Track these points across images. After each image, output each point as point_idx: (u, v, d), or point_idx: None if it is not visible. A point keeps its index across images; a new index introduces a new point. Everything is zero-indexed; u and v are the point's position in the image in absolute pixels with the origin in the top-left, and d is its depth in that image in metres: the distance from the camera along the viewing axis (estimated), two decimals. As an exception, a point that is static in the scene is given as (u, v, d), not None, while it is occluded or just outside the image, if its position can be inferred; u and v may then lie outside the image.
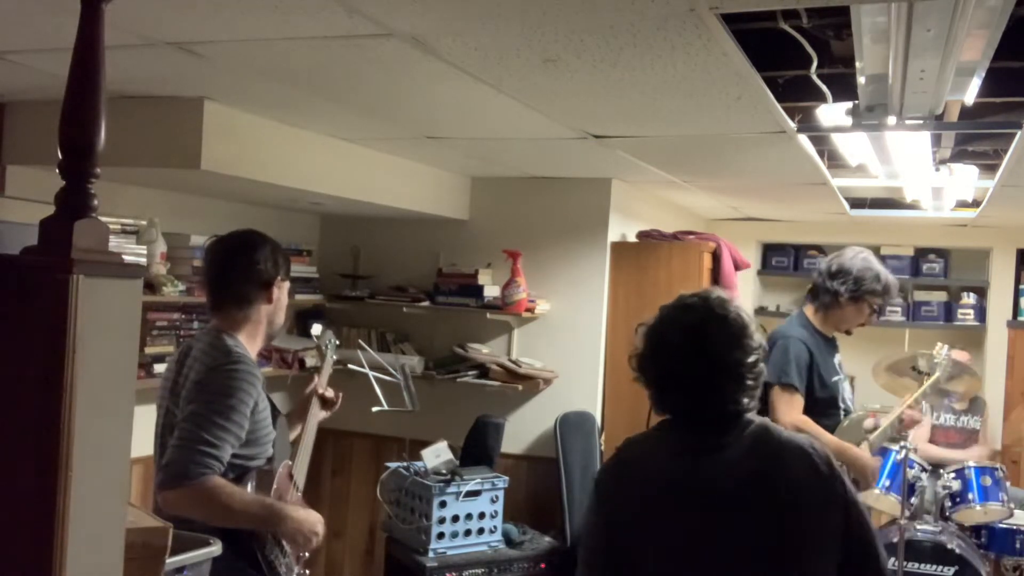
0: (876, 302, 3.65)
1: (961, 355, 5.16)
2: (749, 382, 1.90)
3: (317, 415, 2.97)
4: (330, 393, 3.01)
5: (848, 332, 3.80)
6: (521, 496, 4.62)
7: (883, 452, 4.80)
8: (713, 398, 1.90)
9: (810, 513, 1.85)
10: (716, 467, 1.86)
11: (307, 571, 2.70)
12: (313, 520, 2.58)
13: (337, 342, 3.26)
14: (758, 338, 1.94)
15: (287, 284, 2.74)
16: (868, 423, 3.73)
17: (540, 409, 4.70)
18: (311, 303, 4.91)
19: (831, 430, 3.61)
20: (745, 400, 1.91)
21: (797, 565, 1.84)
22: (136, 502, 2.65)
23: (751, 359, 1.90)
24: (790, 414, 3.55)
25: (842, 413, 3.71)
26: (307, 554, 2.70)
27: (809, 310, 3.78)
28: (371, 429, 4.83)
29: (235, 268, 2.62)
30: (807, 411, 3.60)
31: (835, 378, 3.69)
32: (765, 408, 3.72)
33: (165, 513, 2.19)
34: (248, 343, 2.61)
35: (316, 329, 3.26)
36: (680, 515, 1.87)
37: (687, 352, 1.90)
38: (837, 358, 3.77)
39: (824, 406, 3.65)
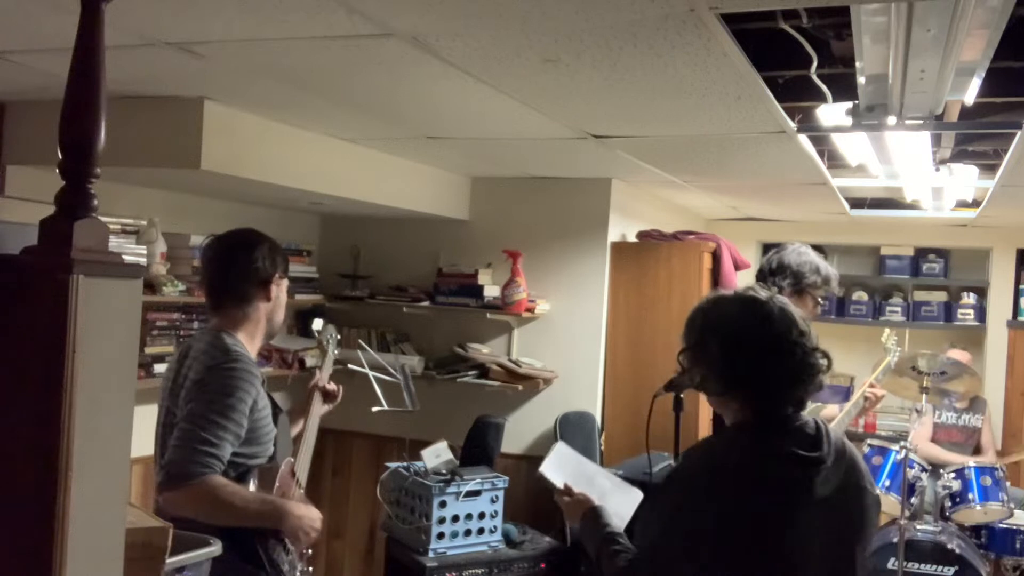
0: (818, 294, 3.65)
1: (961, 355, 5.16)
2: (815, 383, 1.97)
3: (319, 409, 2.98)
4: (332, 386, 3.03)
5: None
6: (521, 496, 4.61)
7: (883, 452, 4.81)
8: (795, 399, 1.95)
9: (870, 503, 1.99)
10: (821, 476, 1.90)
11: (310, 568, 2.70)
12: (314, 516, 2.59)
13: (338, 337, 3.26)
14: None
15: (286, 282, 2.74)
16: (828, 411, 3.74)
17: (540, 409, 4.70)
18: (311, 303, 4.91)
19: None
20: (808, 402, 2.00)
21: (864, 553, 1.98)
22: (136, 502, 2.65)
23: (818, 360, 1.97)
24: None
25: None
26: (310, 551, 2.70)
27: None
28: (371, 429, 4.83)
29: (233, 267, 2.62)
30: None
31: None
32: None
33: (166, 513, 2.19)
34: (248, 342, 2.61)
35: (318, 324, 3.26)
36: (794, 521, 1.89)
37: (789, 358, 1.93)
38: None
39: None
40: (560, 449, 2.66)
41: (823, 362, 1.97)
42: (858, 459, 2.02)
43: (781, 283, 3.58)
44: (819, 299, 3.65)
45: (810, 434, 1.94)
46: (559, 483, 2.41)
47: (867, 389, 3.78)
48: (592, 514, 2.23)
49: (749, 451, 1.94)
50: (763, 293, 2.01)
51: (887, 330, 4.21)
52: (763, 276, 3.65)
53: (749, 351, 1.95)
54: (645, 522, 1.99)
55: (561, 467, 2.62)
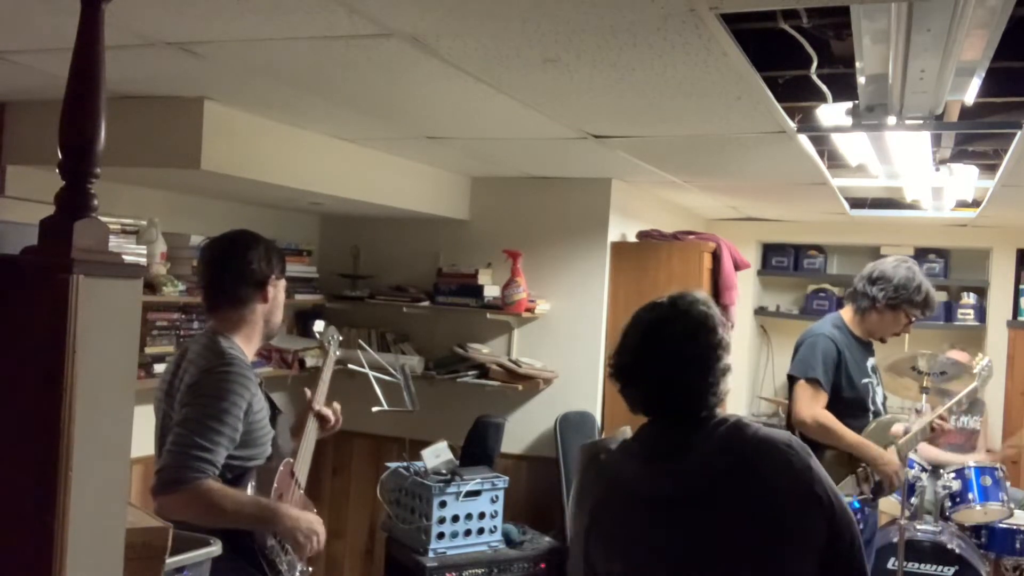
0: (914, 313, 3.63)
1: (961, 355, 5.16)
2: (710, 379, 1.88)
3: (314, 431, 2.89)
4: (327, 411, 2.92)
5: (883, 340, 3.78)
6: (521, 496, 4.61)
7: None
8: (672, 394, 1.89)
9: (785, 511, 1.80)
10: (683, 471, 1.83)
11: (311, 568, 2.70)
12: (311, 520, 2.57)
13: (340, 338, 3.24)
14: (721, 334, 1.91)
15: (283, 283, 2.72)
16: (897, 428, 3.71)
17: (540, 409, 4.70)
18: (311, 303, 4.91)
19: (857, 432, 3.60)
20: (710, 398, 1.88)
21: (777, 565, 1.80)
22: (136, 502, 2.65)
23: (710, 354, 1.88)
24: (812, 408, 3.54)
25: (871, 416, 3.69)
26: (309, 554, 2.69)
27: (847, 313, 3.77)
28: (371, 429, 4.83)
29: (229, 269, 2.61)
30: (834, 411, 3.58)
31: (865, 380, 3.67)
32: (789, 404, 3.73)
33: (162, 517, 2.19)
34: (245, 344, 2.60)
35: (319, 326, 3.24)
36: (650, 524, 1.85)
37: (644, 348, 1.91)
38: (871, 361, 3.75)
39: (851, 407, 3.64)
40: None
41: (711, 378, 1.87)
42: (762, 446, 1.83)
43: (877, 293, 3.57)
44: (912, 318, 3.63)
45: (684, 425, 1.87)
46: None
47: (936, 420, 3.76)
48: None
49: (621, 451, 1.96)
50: (686, 298, 1.94)
51: (980, 354, 4.14)
52: (863, 283, 3.63)
53: (622, 353, 1.95)
54: None
55: None
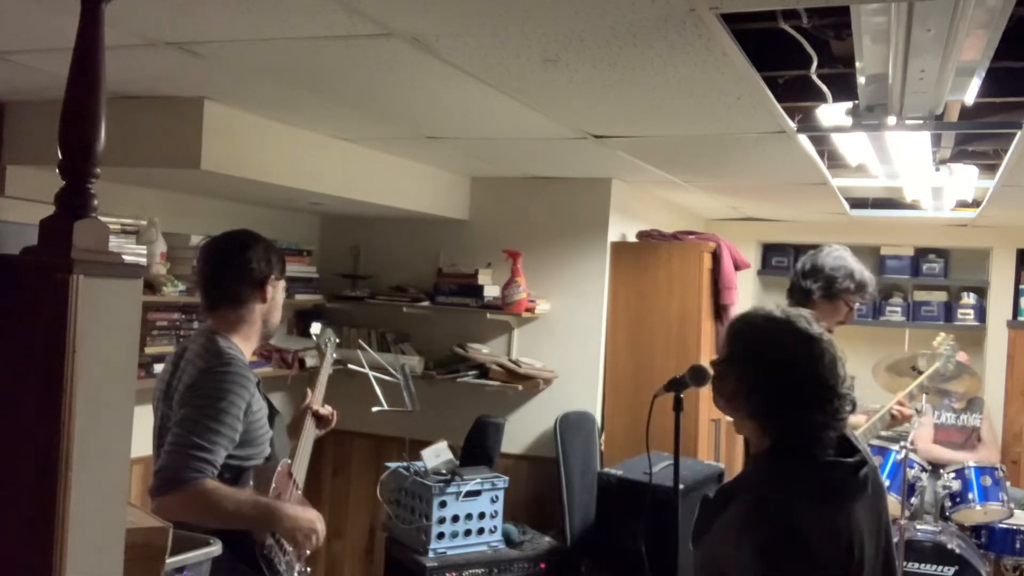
0: (851, 300, 3.61)
1: (961, 355, 5.16)
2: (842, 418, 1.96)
3: (312, 431, 2.91)
4: (325, 410, 2.95)
5: (830, 331, 3.77)
6: (521, 496, 4.61)
7: (883, 452, 4.81)
8: (839, 425, 1.91)
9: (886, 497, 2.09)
10: (862, 474, 1.90)
11: (308, 569, 2.70)
12: (311, 518, 2.57)
13: (337, 340, 3.24)
14: None
15: (282, 283, 2.72)
16: (856, 418, 3.70)
17: (540, 409, 4.70)
18: (311, 303, 4.91)
19: None
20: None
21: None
22: (136, 502, 2.65)
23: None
24: None
25: None
26: (309, 552, 2.69)
27: None
28: (371, 429, 4.83)
29: (228, 268, 2.61)
30: None
31: None
32: None
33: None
34: (243, 344, 2.60)
35: (316, 328, 3.24)
36: (867, 552, 1.89)
37: (829, 386, 1.89)
38: None
39: None
40: None
41: (848, 408, 1.93)
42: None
43: (812, 286, 3.53)
44: (852, 305, 3.60)
45: (849, 454, 1.92)
46: None
47: (895, 406, 3.74)
48: None
49: (804, 496, 1.86)
50: (815, 328, 1.97)
51: (942, 334, 4.11)
52: (796, 277, 3.61)
53: (795, 387, 1.91)
54: None
55: None
